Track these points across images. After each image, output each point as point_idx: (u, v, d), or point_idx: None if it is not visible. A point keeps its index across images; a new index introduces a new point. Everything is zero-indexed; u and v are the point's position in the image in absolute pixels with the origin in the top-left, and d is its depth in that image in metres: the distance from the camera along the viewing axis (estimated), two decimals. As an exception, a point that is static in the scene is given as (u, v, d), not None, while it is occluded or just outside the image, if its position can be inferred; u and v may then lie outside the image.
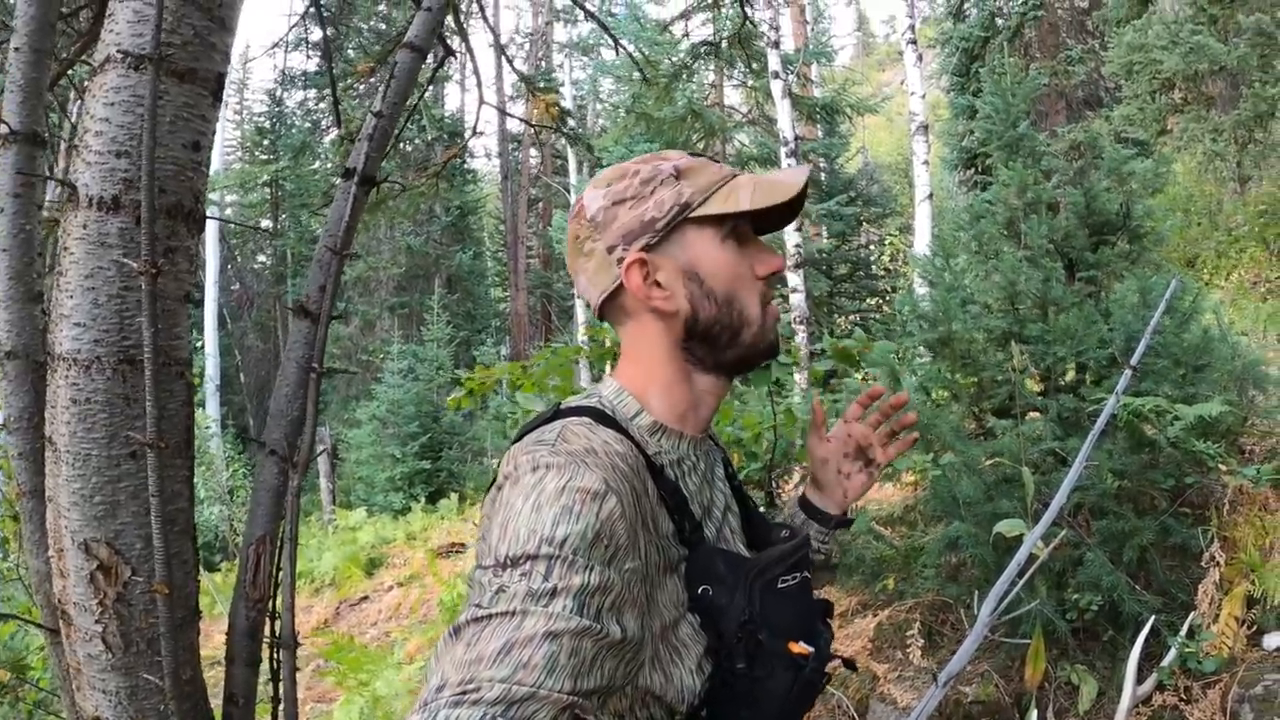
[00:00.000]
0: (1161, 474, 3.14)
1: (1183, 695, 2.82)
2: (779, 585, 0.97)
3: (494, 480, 0.90)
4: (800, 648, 0.94)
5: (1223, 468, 3.17)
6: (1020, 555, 2.02)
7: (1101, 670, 2.98)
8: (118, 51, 1.31)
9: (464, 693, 0.67)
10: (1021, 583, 1.98)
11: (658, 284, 0.98)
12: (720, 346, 1.01)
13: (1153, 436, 3.12)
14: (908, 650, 3.33)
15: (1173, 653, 2.84)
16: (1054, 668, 2.96)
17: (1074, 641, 3.01)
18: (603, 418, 0.95)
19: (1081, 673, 2.94)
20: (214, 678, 1.67)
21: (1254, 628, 2.96)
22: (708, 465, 1.06)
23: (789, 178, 1.00)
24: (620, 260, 0.98)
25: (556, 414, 0.97)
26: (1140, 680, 2.77)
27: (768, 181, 0.99)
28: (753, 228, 1.04)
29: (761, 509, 1.18)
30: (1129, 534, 3.00)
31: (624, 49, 3.46)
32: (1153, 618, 2.81)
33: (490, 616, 0.73)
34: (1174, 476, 3.16)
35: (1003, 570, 2.23)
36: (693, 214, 0.97)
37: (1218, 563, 3.01)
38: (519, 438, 0.95)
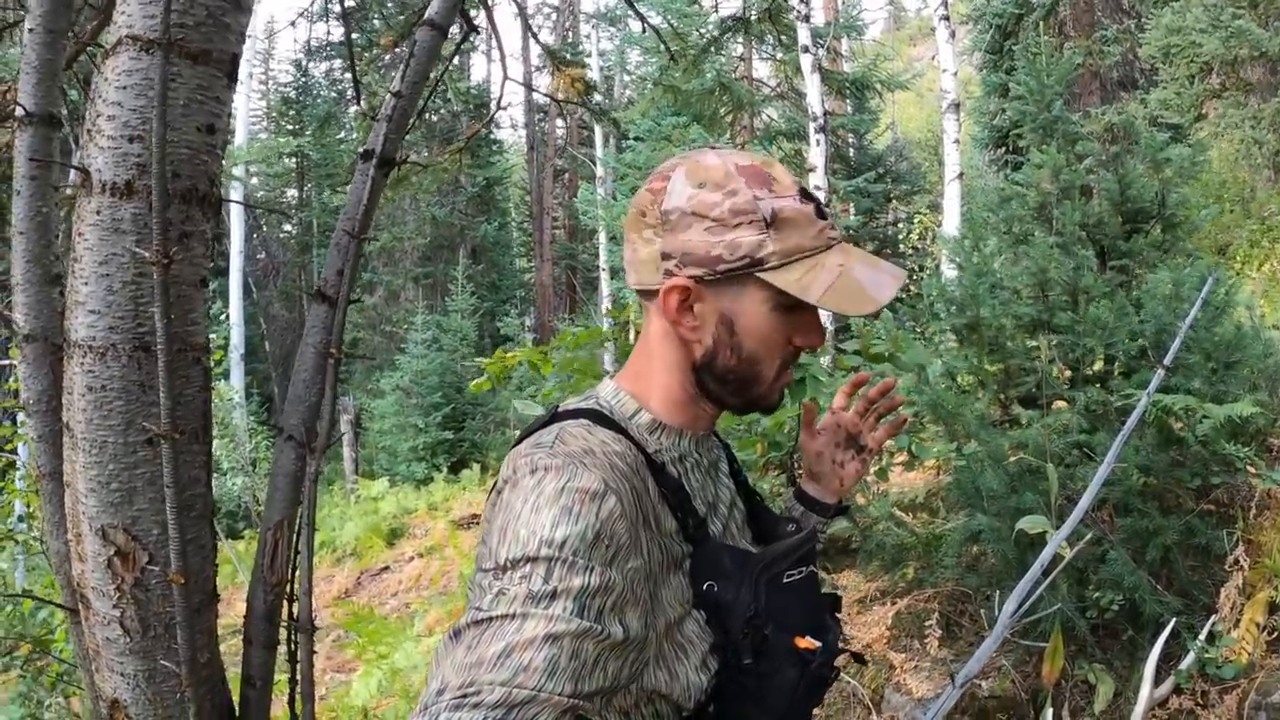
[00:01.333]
0: (1188, 473, 3.08)
1: (1199, 700, 2.78)
2: (785, 580, 0.96)
3: (495, 485, 0.90)
4: (807, 642, 0.93)
5: (1251, 469, 3.10)
6: (1044, 556, 1.99)
7: (1119, 670, 2.94)
8: (128, 34, 1.29)
9: (464, 696, 0.67)
10: (1044, 586, 1.95)
11: (691, 311, 0.94)
12: (726, 391, 0.99)
13: (1181, 434, 3.06)
14: (925, 641, 3.31)
15: (1191, 656, 2.80)
16: (1071, 665, 2.93)
17: (1092, 639, 2.97)
18: (600, 418, 0.95)
19: (1099, 672, 2.91)
20: (234, 648, 1.68)
21: (1275, 634, 2.91)
22: (711, 461, 1.06)
23: (875, 289, 0.92)
24: (669, 273, 0.93)
25: (554, 417, 0.96)
26: (1158, 682, 2.74)
27: (851, 282, 0.92)
28: None
29: (782, 492, 1.17)
30: (1153, 533, 2.95)
31: (650, 26, 3.40)
32: (1173, 620, 2.76)
33: (490, 619, 0.73)
34: (1201, 476, 3.10)
35: (1024, 566, 2.21)
36: (759, 273, 0.91)
37: (1241, 566, 2.95)
38: (518, 442, 0.95)
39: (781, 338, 0.96)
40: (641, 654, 0.82)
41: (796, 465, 4.35)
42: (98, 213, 1.32)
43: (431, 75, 2.01)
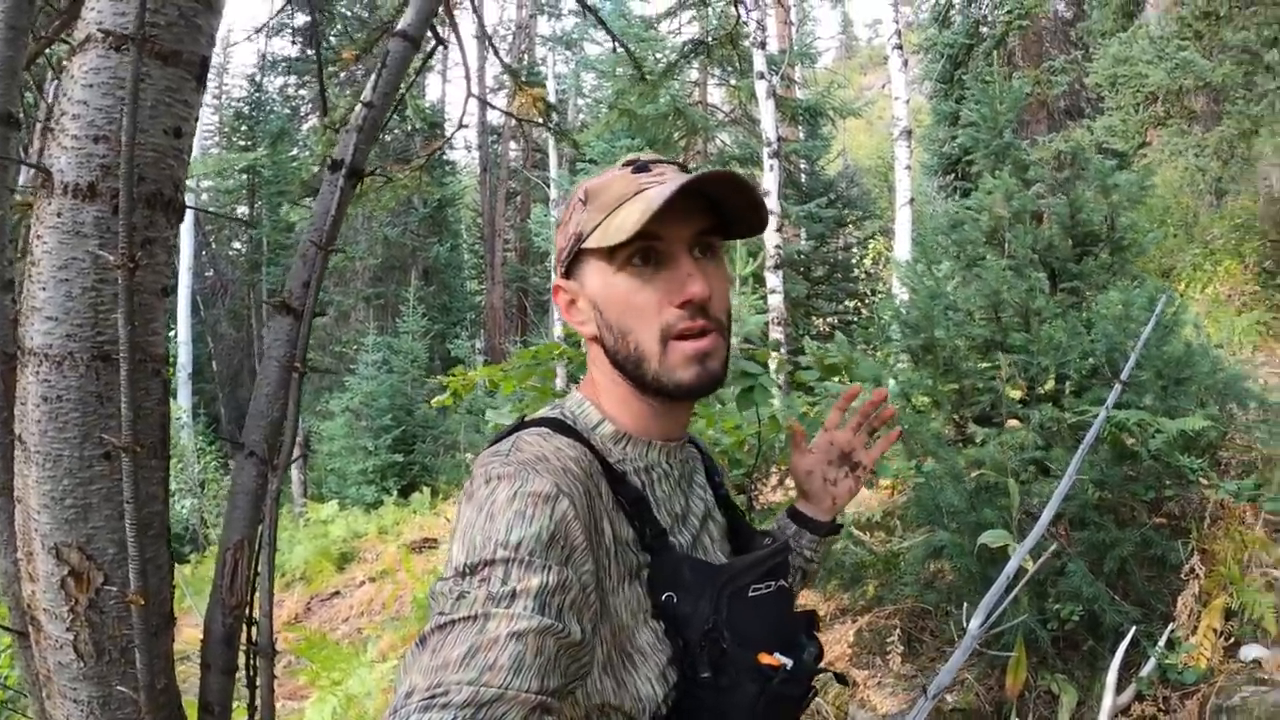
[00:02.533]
0: (1142, 486, 3.16)
1: (1161, 705, 2.85)
2: (750, 593, 0.95)
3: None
4: (771, 659, 0.91)
5: (1203, 481, 3.19)
6: (1009, 569, 2.01)
7: (1081, 679, 2.99)
8: (99, 30, 1.25)
9: (432, 697, 0.68)
10: (1013, 595, 1.97)
11: (577, 307, 1.00)
12: (635, 377, 0.96)
13: (1134, 449, 3.13)
14: (888, 657, 3.33)
15: (1151, 663, 2.86)
16: (1034, 676, 2.97)
17: (1054, 651, 3.02)
18: (562, 427, 0.96)
19: (1061, 682, 2.95)
20: (182, 674, 1.62)
21: (1231, 640, 3.00)
22: (684, 472, 1.05)
23: (657, 196, 0.89)
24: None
25: (518, 426, 0.97)
26: (1119, 690, 2.79)
27: (641, 201, 0.91)
28: (711, 238, 0.97)
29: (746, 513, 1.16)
30: (1110, 545, 3.01)
31: (621, 44, 3.41)
32: (1133, 629, 2.82)
33: (454, 622, 0.73)
34: (1154, 489, 3.18)
35: (986, 580, 2.22)
36: (584, 246, 0.96)
37: (1197, 575, 3.03)
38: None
39: (646, 302, 0.94)
40: (591, 658, 0.82)
41: (754, 487, 4.35)
42: (59, 215, 1.27)
43: (400, 90, 1.99)
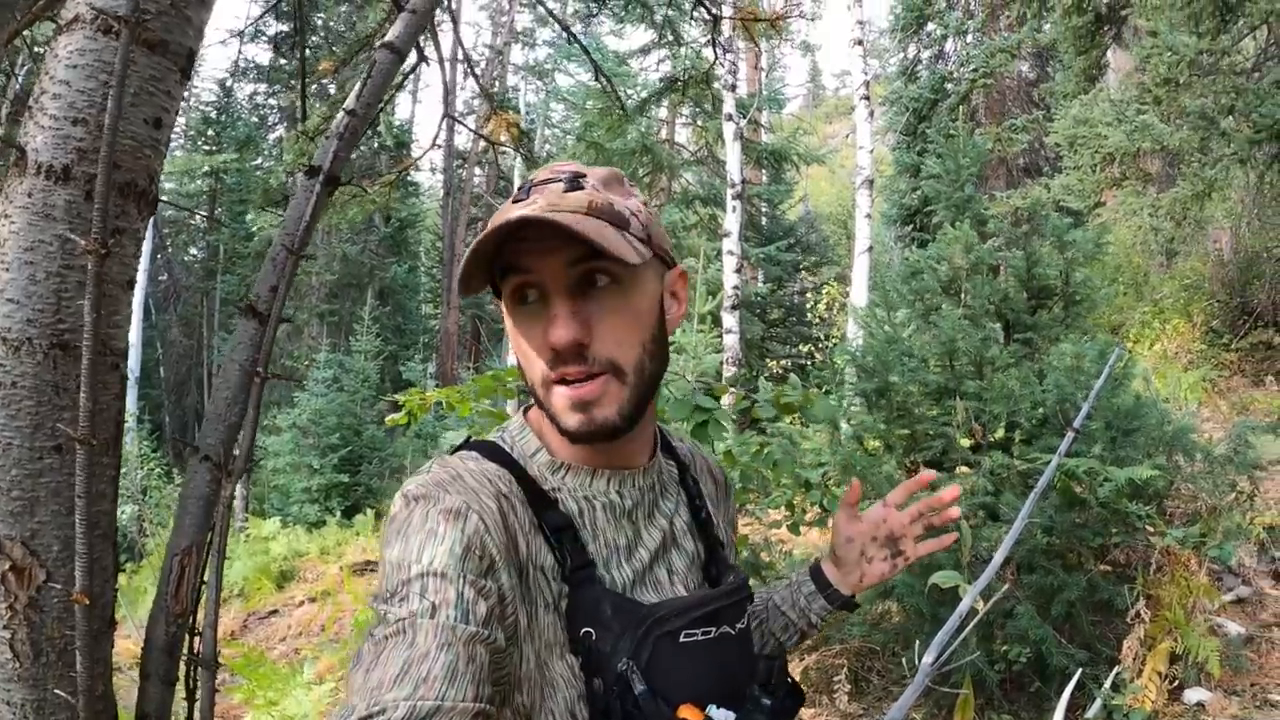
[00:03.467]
0: (1090, 532, 3.22)
1: (1107, 746, 2.88)
2: (681, 639, 0.88)
3: None
4: (694, 712, 0.84)
5: (1150, 529, 3.26)
6: (962, 608, 2.03)
7: (1028, 720, 3.01)
8: (89, 9, 1.23)
9: (370, 717, 0.67)
10: (963, 635, 1.99)
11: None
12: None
13: (1083, 496, 3.19)
14: (834, 695, 3.32)
15: (1097, 704, 2.90)
16: (981, 716, 2.99)
17: (1001, 692, 3.05)
18: (494, 452, 0.93)
19: (1008, 722, 2.97)
20: (118, 684, 1.56)
21: (1176, 683, 3.06)
22: (640, 501, 0.97)
23: (505, 216, 0.83)
24: None
25: (459, 449, 0.96)
26: (1065, 731, 2.81)
27: (492, 227, 0.83)
28: (596, 266, 0.85)
29: None
30: (1057, 589, 3.05)
31: (605, 76, 3.45)
32: (1079, 670, 2.85)
33: (385, 639, 0.73)
34: (1102, 535, 3.24)
35: (936, 620, 2.24)
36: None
37: (1142, 619, 3.09)
38: None
39: (528, 344, 0.88)
40: (512, 672, 0.82)
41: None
42: (29, 195, 1.24)
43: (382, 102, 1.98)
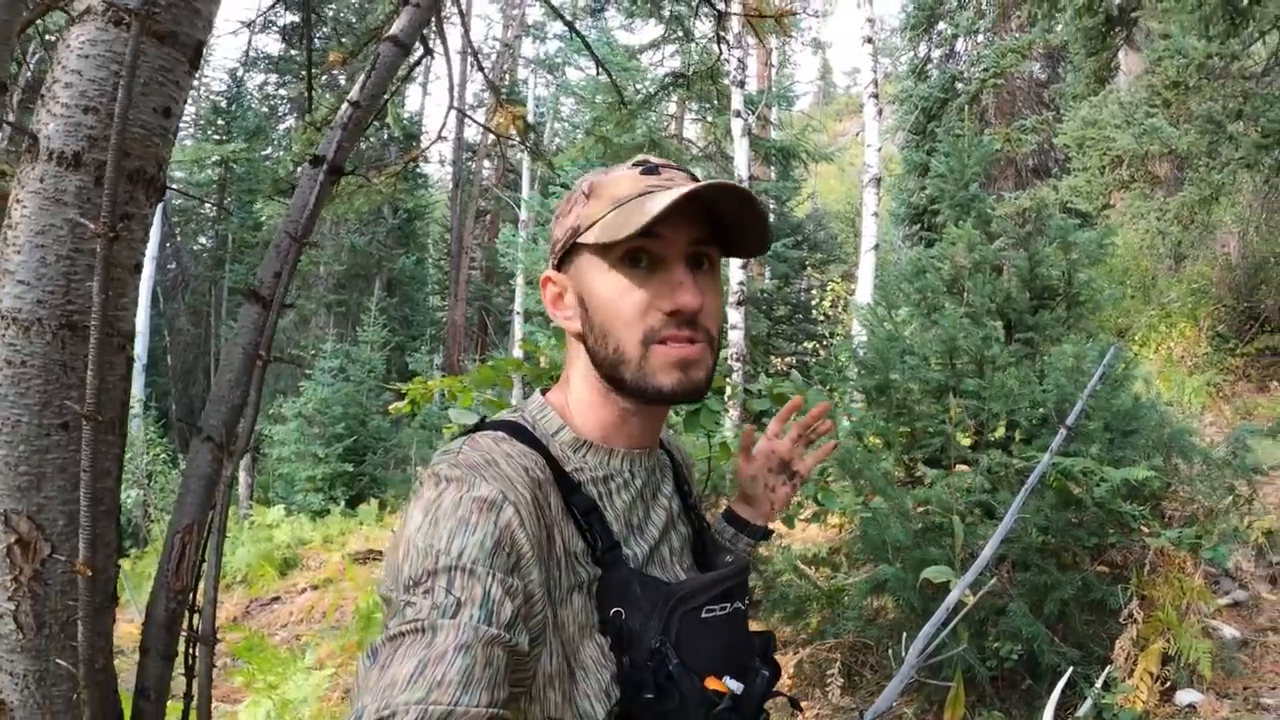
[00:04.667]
0: (1085, 532, 3.23)
1: (1097, 746, 2.89)
2: (704, 614, 0.92)
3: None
4: (719, 684, 0.88)
5: (1145, 530, 3.28)
6: (949, 600, 2.06)
7: (1018, 717, 3.04)
8: (100, 2, 1.27)
9: None
10: (950, 627, 2.02)
11: (563, 301, 0.98)
12: (610, 380, 0.94)
13: (1079, 496, 3.21)
14: (827, 689, 3.35)
15: (1088, 703, 2.92)
16: (972, 713, 3.01)
17: (992, 689, 3.07)
18: (519, 431, 0.93)
19: (999, 719, 2.99)
20: (119, 667, 1.59)
21: (1168, 684, 3.07)
22: (647, 482, 1.01)
23: (651, 204, 0.88)
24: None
25: (478, 428, 0.95)
26: (1056, 729, 2.82)
27: (643, 203, 0.89)
28: (709, 250, 0.95)
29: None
30: (1051, 588, 3.07)
31: (605, 70, 3.47)
32: (1070, 669, 2.87)
33: (401, 635, 0.72)
34: (1097, 535, 3.26)
35: (928, 614, 2.27)
36: (580, 240, 0.94)
37: (1135, 620, 3.10)
38: None
39: (633, 304, 0.91)
40: (534, 669, 0.82)
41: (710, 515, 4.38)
42: (41, 180, 1.28)
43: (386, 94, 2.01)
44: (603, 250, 0.92)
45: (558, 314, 0.98)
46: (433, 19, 2.37)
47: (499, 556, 0.78)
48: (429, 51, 2.31)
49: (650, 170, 0.95)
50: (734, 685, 0.90)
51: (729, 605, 0.96)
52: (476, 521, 0.78)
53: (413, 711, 0.66)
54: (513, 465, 0.87)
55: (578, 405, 0.98)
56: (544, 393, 1.03)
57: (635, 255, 0.91)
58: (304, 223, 1.72)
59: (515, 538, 0.80)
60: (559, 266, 0.99)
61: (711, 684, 0.88)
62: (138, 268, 1.46)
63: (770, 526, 1.34)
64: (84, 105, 1.28)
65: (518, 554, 0.80)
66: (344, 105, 1.74)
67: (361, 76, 1.74)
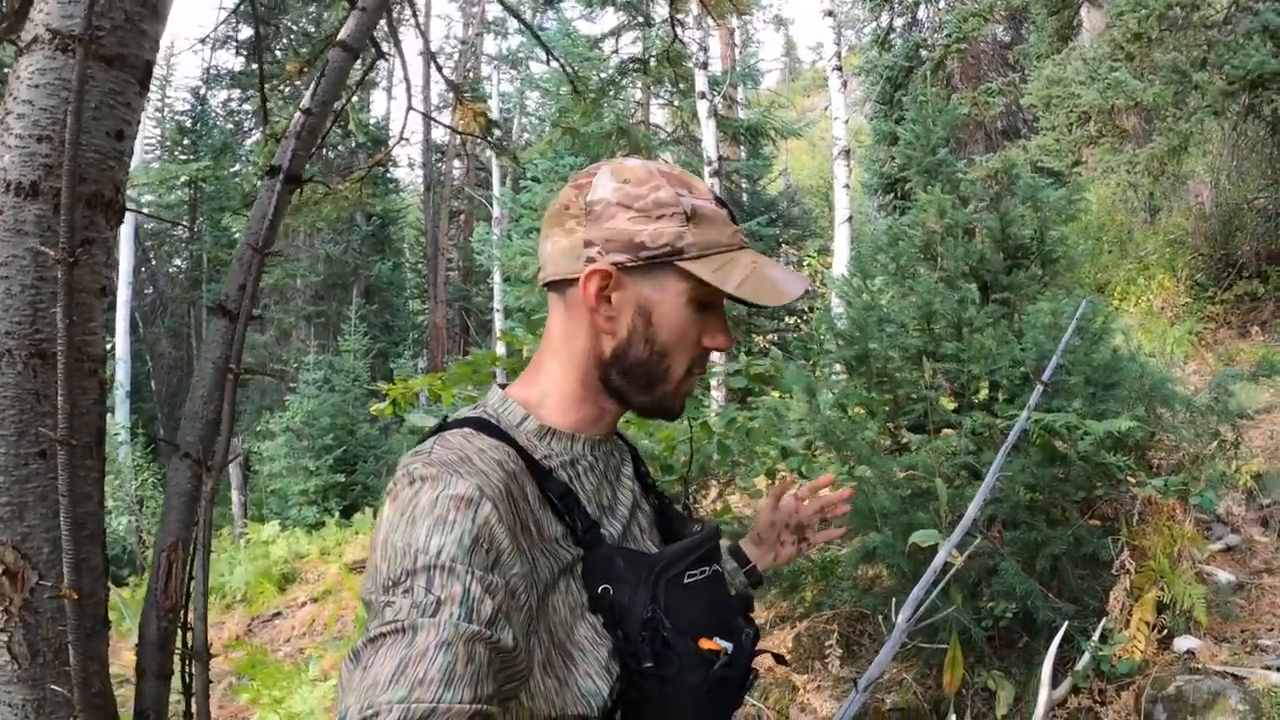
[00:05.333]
0: (1073, 486, 3.25)
1: (1097, 698, 2.93)
2: (686, 580, 0.95)
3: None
4: (712, 643, 0.92)
5: (1131, 480, 3.30)
6: (935, 563, 2.08)
7: (1018, 675, 3.07)
8: (46, 30, 1.27)
9: None
10: (937, 590, 2.04)
11: (609, 300, 0.95)
12: (634, 388, 0.99)
13: (1064, 451, 3.23)
14: (826, 660, 3.38)
15: (1086, 657, 2.95)
16: (971, 674, 3.04)
17: (990, 648, 3.10)
18: (484, 426, 0.95)
19: (998, 678, 3.03)
20: (122, 696, 1.60)
21: (1165, 632, 3.10)
22: (610, 465, 1.05)
23: (786, 285, 0.97)
24: (590, 260, 0.94)
25: (440, 427, 0.96)
26: (1055, 684, 2.86)
27: (764, 277, 0.96)
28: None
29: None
30: (1041, 544, 3.10)
31: (556, 60, 3.47)
32: (1066, 624, 2.90)
33: (382, 636, 0.73)
34: (1085, 489, 3.28)
35: (918, 578, 2.30)
36: (679, 262, 0.94)
37: (1128, 570, 3.13)
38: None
39: (693, 335, 0.97)
40: (526, 662, 0.82)
41: (692, 498, 4.41)
42: (0, 213, 1.28)
43: (337, 101, 2.01)
44: (696, 282, 0.95)
45: (600, 309, 0.95)
46: (386, 22, 2.37)
47: (478, 554, 0.78)
48: (381, 54, 2.31)
49: (732, 217, 1.00)
50: (725, 644, 0.93)
51: (708, 569, 0.99)
52: (454, 519, 0.79)
53: (395, 710, 0.67)
54: (485, 460, 0.88)
55: (559, 397, 0.99)
56: (502, 387, 1.03)
57: (709, 302, 0.98)
58: (264, 233, 1.72)
59: (494, 533, 0.81)
60: (623, 268, 0.95)
61: (705, 644, 0.91)
62: (103, 291, 1.46)
63: (764, 576, 1.42)
64: (37, 135, 1.28)
65: (497, 550, 0.80)
66: (296, 114, 1.74)
67: (312, 85, 1.74)
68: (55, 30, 1.27)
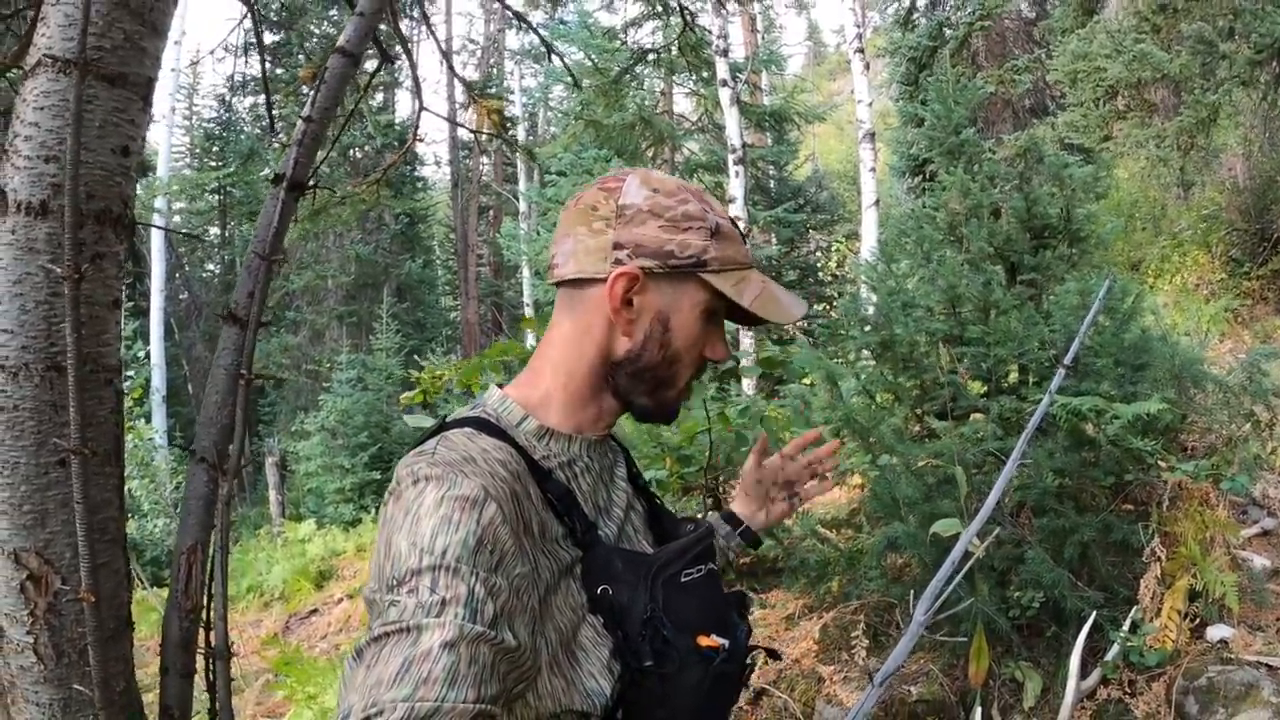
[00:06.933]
0: (1101, 471, 3.19)
1: (1127, 689, 2.86)
2: (683, 579, 0.97)
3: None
4: (710, 640, 0.94)
5: (1162, 464, 3.22)
6: (954, 554, 2.05)
7: (1046, 666, 3.02)
8: (47, 55, 1.31)
9: (368, 718, 0.68)
10: (956, 580, 2.02)
11: (630, 304, 0.97)
12: (640, 390, 1.02)
13: (1092, 435, 3.17)
14: (853, 651, 3.36)
15: (1116, 647, 2.88)
16: (998, 665, 2.99)
17: (1017, 639, 3.05)
18: (485, 426, 0.96)
19: (1026, 669, 2.98)
20: (150, 703, 1.64)
21: (1196, 620, 3.01)
22: (604, 466, 1.06)
23: (791, 306, 1.05)
24: (618, 262, 0.96)
25: (441, 427, 0.97)
26: (1084, 675, 2.81)
27: (772, 296, 1.03)
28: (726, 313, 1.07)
29: (702, 514, 1.21)
30: (1070, 531, 3.04)
31: (558, 55, 3.47)
32: (1095, 613, 2.85)
33: (386, 635, 0.74)
34: (1114, 474, 3.21)
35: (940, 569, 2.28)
36: (702, 274, 0.99)
37: (1159, 558, 3.05)
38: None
39: (701, 343, 1.03)
40: (534, 662, 0.83)
41: (720, 487, 4.40)
42: (13, 232, 1.32)
43: (347, 104, 2.03)
44: (713, 294, 1.00)
45: (622, 312, 0.98)
46: (392, 25, 2.38)
47: (482, 554, 0.79)
48: (388, 58, 2.32)
49: (742, 238, 1.06)
50: (722, 640, 0.95)
51: (703, 568, 1.01)
52: (459, 519, 0.80)
53: (399, 709, 0.68)
54: (489, 460, 0.89)
55: (565, 398, 1.01)
56: (500, 387, 1.05)
57: (718, 313, 1.04)
58: (271, 241, 1.75)
59: (498, 534, 0.82)
60: (650, 273, 0.98)
61: (704, 641, 0.93)
62: (116, 304, 1.50)
63: (762, 537, 1.44)
64: (44, 155, 1.32)
65: (501, 551, 0.82)
66: (299, 122, 1.76)
67: (313, 92, 1.75)
68: (55, 55, 1.30)
